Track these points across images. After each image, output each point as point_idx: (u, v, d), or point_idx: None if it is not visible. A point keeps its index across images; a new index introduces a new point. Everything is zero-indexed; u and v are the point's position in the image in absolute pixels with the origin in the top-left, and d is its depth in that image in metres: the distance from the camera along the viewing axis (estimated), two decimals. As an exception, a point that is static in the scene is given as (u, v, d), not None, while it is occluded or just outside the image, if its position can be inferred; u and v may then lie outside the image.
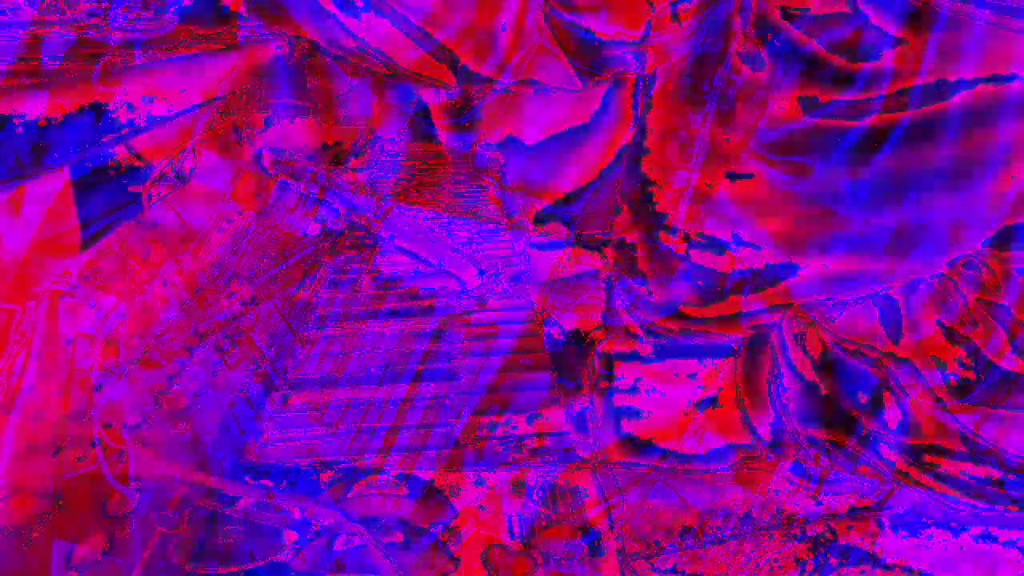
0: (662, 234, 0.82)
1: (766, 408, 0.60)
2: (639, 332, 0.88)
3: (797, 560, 0.64)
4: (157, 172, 0.96)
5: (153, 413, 0.57)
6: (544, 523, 0.45)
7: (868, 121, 0.62)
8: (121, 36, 0.75)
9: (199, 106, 0.97)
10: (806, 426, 0.57)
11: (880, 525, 0.65)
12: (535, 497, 0.47)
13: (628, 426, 0.65)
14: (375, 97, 1.20)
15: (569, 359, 0.72)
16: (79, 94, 0.71)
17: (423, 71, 1.05)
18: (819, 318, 0.59)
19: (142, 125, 0.82)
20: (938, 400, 0.51)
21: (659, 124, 0.85)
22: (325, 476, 0.49)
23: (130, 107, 0.81)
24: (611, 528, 0.46)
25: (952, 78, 0.58)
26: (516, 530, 0.45)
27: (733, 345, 0.66)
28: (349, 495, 0.46)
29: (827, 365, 0.57)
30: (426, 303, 0.77)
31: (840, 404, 0.56)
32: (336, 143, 1.35)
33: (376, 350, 0.67)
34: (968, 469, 0.52)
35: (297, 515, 0.45)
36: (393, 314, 0.75)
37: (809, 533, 0.65)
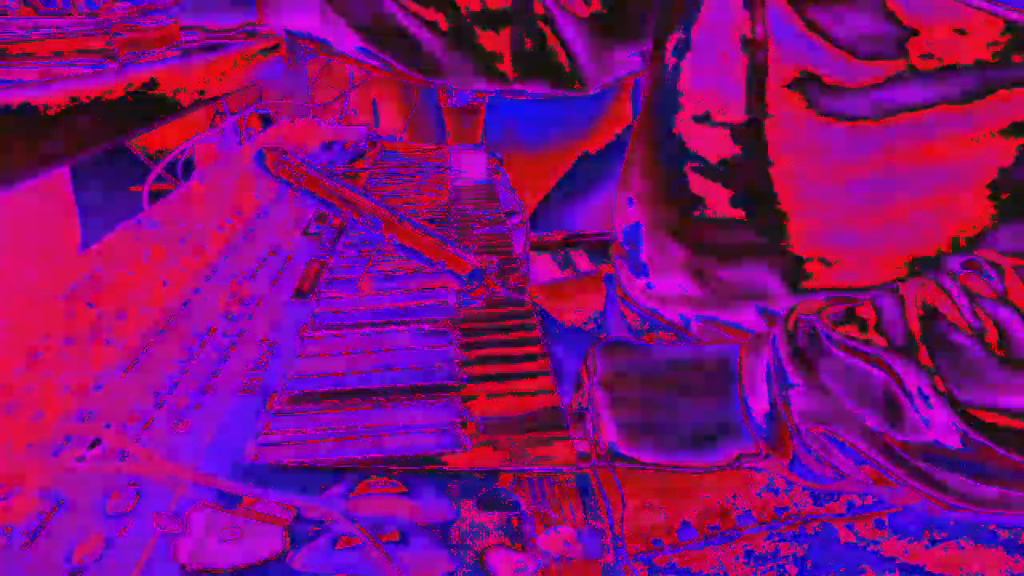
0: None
1: (765, 407, 0.60)
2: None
3: (796, 558, 0.64)
4: (157, 172, 0.96)
5: (153, 413, 0.57)
6: (544, 523, 0.44)
7: (870, 118, 0.62)
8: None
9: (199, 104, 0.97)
10: (806, 424, 0.57)
11: (880, 525, 0.65)
12: (534, 496, 0.47)
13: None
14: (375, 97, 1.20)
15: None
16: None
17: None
18: (820, 318, 0.59)
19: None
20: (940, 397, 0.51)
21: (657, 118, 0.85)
22: (325, 476, 0.49)
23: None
24: (611, 527, 0.46)
25: (950, 74, 0.58)
26: (516, 530, 0.44)
27: (732, 345, 0.66)
28: (349, 495, 0.46)
29: (829, 364, 0.57)
30: (426, 302, 0.77)
31: (841, 404, 0.56)
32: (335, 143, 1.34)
33: (377, 349, 0.67)
34: (966, 467, 0.52)
35: (297, 515, 0.45)
36: (393, 313, 0.75)
37: (808, 532, 0.65)
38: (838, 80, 0.63)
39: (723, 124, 0.73)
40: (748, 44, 0.70)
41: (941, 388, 0.51)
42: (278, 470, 0.51)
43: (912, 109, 0.60)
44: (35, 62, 0.69)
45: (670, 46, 0.83)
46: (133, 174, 0.97)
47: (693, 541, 0.65)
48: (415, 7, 0.99)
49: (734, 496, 0.67)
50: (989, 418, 0.50)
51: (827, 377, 0.56)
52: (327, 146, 1.44)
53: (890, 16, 0.59)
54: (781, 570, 0.64)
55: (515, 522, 0.45)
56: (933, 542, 0.64)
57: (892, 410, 0.53)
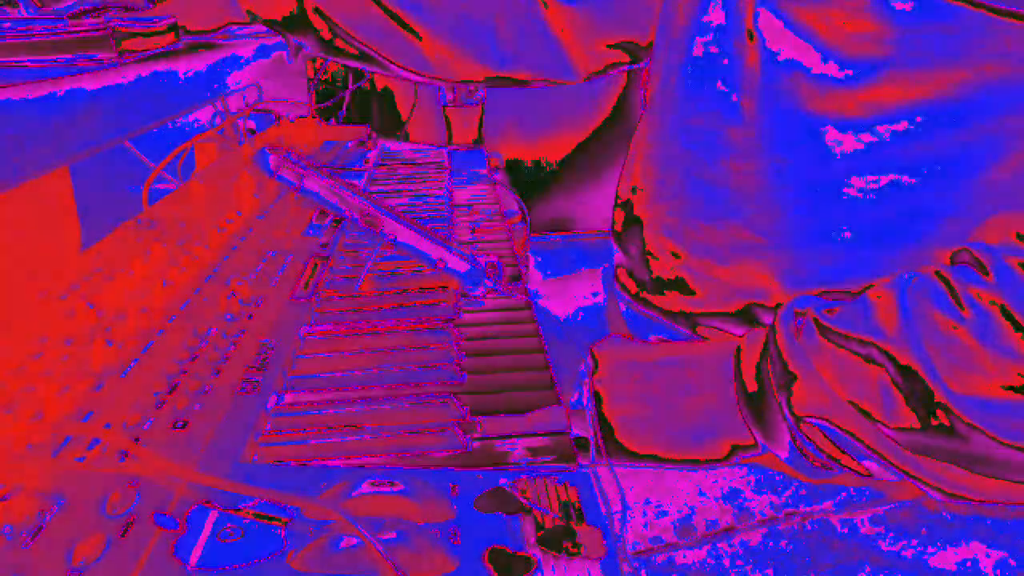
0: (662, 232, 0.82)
1: (763, 404, 0.60)
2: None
3: (795, 554, 0.64)
4: (157, 172, 0.96)
5: (153, 413, 0.57)
6: (544, 522, 0.45)
7: (864, 113, 0.62)
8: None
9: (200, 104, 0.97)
10: (804, 416, 0.57)
11: (879, 519, 0.65)
12: (534, 496, 0.47)
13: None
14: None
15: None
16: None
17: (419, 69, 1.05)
18: (816, 313, 0.60)
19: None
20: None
21: (656, 118, 0.85)
22: (325, 476, 0.49)
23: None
24: (611, 527, 0.46)
25: (944, 69, 0.58)
26: (516, 530, 0.45)
27: (730, 342, 0.66)
28: (349, 495, 0.46)
29: (825, 356, 0.57)
30: (426, 302, 0.77)
31: (838, 396, 0.56)
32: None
33: (377, 349, 0.67)
34: (963, 458, 0.52)
35: (297, 515, 0.45)
36: (393, 313, 0.75)
37: (807, 528, 0.65)
38: (829, 80, 0.63)
39: (719, 126, 0.73)
40: (741, 47, 0.70)
41: (935, 379, 0.51)
42: (278, 470, 0.51)
43: (903, 106, 0.60)
44: (35, 62, 0.69)
45: (667, 49, 0.83)
46: (133, 174, 0.97)
47: (693, 540, 0.65)
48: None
49: (733, 494, 0.67)
50: (982, 408, 0.50)
51: (823, 369, 0.56)
52: (327, 146, 1.44)
53: (880, 15, 0.60)
54: (780, 567, 0.64)
55: (515, 522, 0.45)
56: (931, 536, 0.64)
57: (888, 401, 0.53)
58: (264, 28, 1.05)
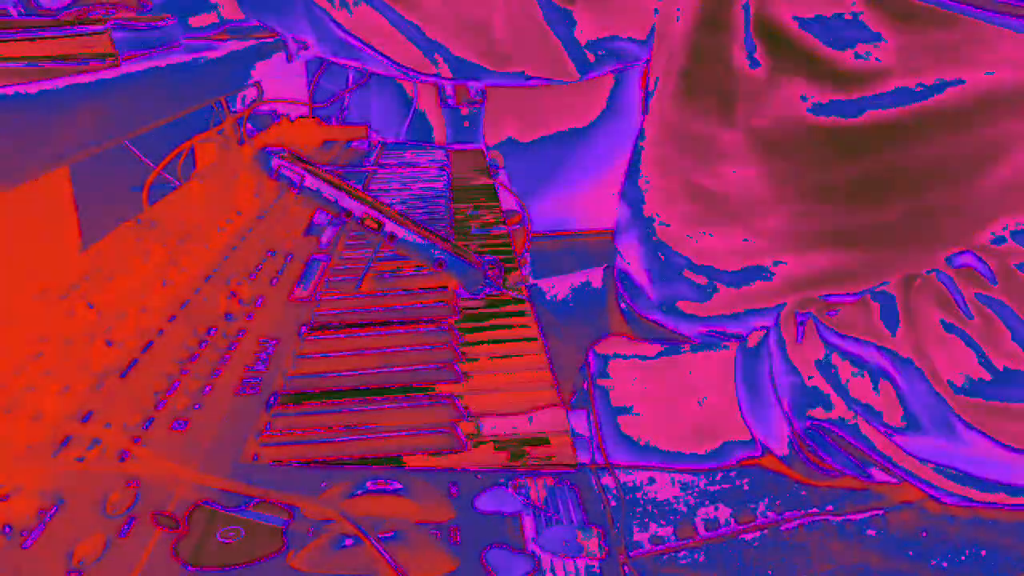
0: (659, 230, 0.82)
1: (764, 405, 0.60)
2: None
3: (796, 556, 0.64)
4: (157, 172, 0.96)
5: (153, 413, 0.57)
6: (544, 523, 0.44)
7: (865, 119, 0.62)
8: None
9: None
10: (805, 419, 0.57)
11: (880, 521, 0.65)
12: (534, 496, 0.47)
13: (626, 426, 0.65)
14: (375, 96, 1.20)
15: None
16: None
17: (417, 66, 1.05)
18: (817, 314, 0.60)
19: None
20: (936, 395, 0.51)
21: (656, 122, 0.85)
22: (325, 476, 0.49)
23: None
24: (611, 527, 0.46)
25: (943, 75, 0.58)
26: (516, 530, 0.45)
27: (731, 343, 0.66)
28: (349, 495, 0.46)
29: (826, 358, 0.57)
30: (426, 302, 0.77)
31: (838, 398, 0.56)
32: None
33: (377, 350, 0.67)
34: (964, 460, 0.52)
35: (297, 515, 0.45)
36: (393, 313, 0.75)
37: (808, 529, 0.65)
38: (830, 86, 0.63)
39: (719, 132, 0.73)
40: (740, 49, 0.70)
41: (937, 381, 0.51)
42: (278, 470, 0.51)
43: (904, 111, 0.60)
44: (35, 61, 0.69)
45: (666, 49, 0.83)
46: (133, 174, 0.97)
47: (692, 541, 0.65)
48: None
49: (733, 495, 0.67)
50: (984, 411, 0.50)
51: (824, 372, 0.56)
52: (327, 146, 1.44)
53: (878, 21, 0.60)
54: (780, 568, 0.64)
55: (515, 522, 0.45)
56: (932, 537, 0.64)
57: (889, 403, 0.53)
58: (265, 28, 1.05)
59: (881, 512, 0.65)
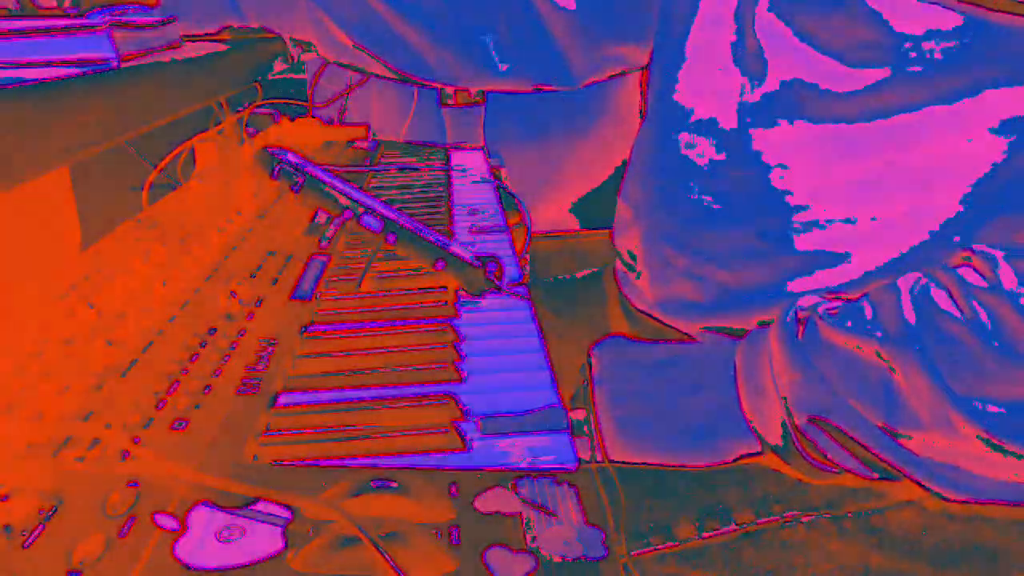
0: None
1: (765, 404, 0.60)
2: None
3: (795, 555, 0.64)
4: (157, 172, 0.96)
5: (153, 413, 0.57)
6: (544, 523, 0.44)
7: (866, 120, 0.62)
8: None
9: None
10: (806, 416, 0.57)
11: (881, 519, 0.65)
12: (534, 496, 0.47)
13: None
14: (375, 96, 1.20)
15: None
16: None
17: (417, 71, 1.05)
18: (818, 313, 0.60)
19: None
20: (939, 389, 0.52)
21: (655, 123, 0.85)
22: (325, 476, 0.49)
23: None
24: (611, 527, 0.46)
25: (944, 75, 0.59)
26: (516, 530, 0.45)
27: (731, 342, 0.66)
28: (349, 495, 0.46)
29: (828, 355, 0.57)
30: (426, 302, 0.77)
31: (840, 395, 0.56)
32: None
33: (377, 350, 0.67)
34: (964, 458, 0.52)
35: (297, 515, 0.45)
36: (393, 313, 0.75)
37: (808, 528, 0.65)
38: (829, 86, 0.63)
39: (719, 133, 0.73)
40: (740, 53, 0.70)
41: (937, 379, 0.51)
42: (278, 470, 0.51)
43: (903, 111, 0.60)
44: (35, 61, 0.69)
45: (664, 55, 0.83)
46: (133, 174, 0.97)
47: (692, 541, 0.65)
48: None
49: (733, 494, 0.67)
50: (983, 410, 0.50)
51: (826, 369, 0.56)
52: (327, 146, 1.44)
53: (879, 22, 0.60)
54: (780, 567, 0.64)
55: (515, 522, 0.45)
56: (932, 535, 0.64)
57: (890, 402, 0.53)
58: (266, 30, 1.05)
59: (881, 510, 0.65)
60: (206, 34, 1.02)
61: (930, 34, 0.58)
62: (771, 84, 0.68)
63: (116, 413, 0.56)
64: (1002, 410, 0.50)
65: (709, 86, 0.75)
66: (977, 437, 0.51)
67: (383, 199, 0.85)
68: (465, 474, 0.49)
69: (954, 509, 0.64)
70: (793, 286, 0.70)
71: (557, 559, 0.42)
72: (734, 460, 0.62)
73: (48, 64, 0.69)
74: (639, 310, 0.86)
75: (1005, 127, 0.58)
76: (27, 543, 0.43)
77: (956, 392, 0.51)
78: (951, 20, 0.57)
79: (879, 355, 0.54)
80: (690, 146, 0.77)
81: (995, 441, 0.50)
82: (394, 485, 0.47)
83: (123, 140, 0.89)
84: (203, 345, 0.67)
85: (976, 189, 0.60)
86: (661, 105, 0.83)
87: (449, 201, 1.13)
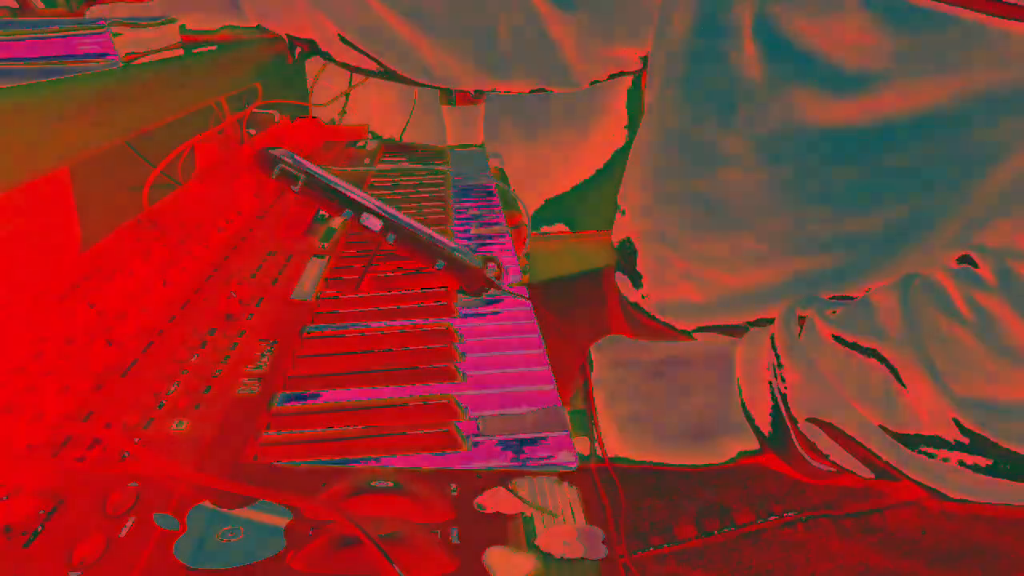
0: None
1: (764, 404, 0.60)
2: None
3: (795, 554, 0.64)
4: (157, 172, 0.96)
5: (153, 413, 0.57)
6: (544, 523, 0.45)
7: (864, 122, 0.62)
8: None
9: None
10: (805, 417, 0.57)
11: (880, 518, 0.65)
12: (534, 496, 0.47)
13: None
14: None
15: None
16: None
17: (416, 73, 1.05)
18: (817, 314, 0.60)
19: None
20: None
21: (655, 126, 0.85)
22: (325, 476, 0.49)
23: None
24: (611, 527, 0.46)
25: (941, 77, 0.59)
26: (516, 530, 0.45)
27: (730, 342, 0.66)
28: (349, 495, 0.46)
29: (827, 356, 0.57)
30: (426, 302, 0.77)
31: (839, 396, 0.56)
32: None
33: (377, 349, 0.67)
34: (964, 459, 0.52)
35: (297, 515, 0.45)
36: (393, 314, 0.75)
37: (807, 528, 0.65)
38: (828, 90, 0.63)
39: (717, 136, 0.73)
40: (739, 57, 0.70)
41: (937, 380, 0.51)
42: (278, 470, 0.51)
43: (902, 114, 0.60)
44: (35, 61, 0.69)
45: (664, 57, 0.83)
46: (133, 174, 0.97)
47: (692, 540, 0.65)
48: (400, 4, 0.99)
49: (733, 494, 0.67)
50: (984, 409, 0.50)
51: (825, 369, 0.56)
52: (327, 146, 1.44)
53: (878, 25, 0.60)
54: (780, 567, 0.64)
55: (515, 522, 0.45)
56: (932, 536, 0.64)
57: (889, 402, 0.53)
58: (265, 29, 1.05)
59: (880, 510, 0.65)
60: (206, 34, 1.02)
61: (926, 33, 0.58)
62: (769, 85, 0.68)
63: (116, 413, 0.56)
64: (1001, 411, 0.50)
65: (704, 91, 0.75)
66: (976, 438, 0.51)
67: (383, 199, 0.85)
68: (465, 474, 0.49)
69: (953, 509, 0.64)
70: (792, 287, 0.70)
71: (557, 559, 0.42)
72: (734, 460, 0.62)
73: (48, 64, 0.69)
74: (638, 310, 0.86)
75: (1003, 127, 0.58)
76: (27, 543, 0.43)
77: (956, 393, 0.51)
78: (945, 18, 0.57)
79: (879, 355, 0.54)
80: (689, 147, 0.77)
81: (994, 441, 0.50)
82: (394, 485, 0.47)
83: (123, 140, 0.89)
84: (203, 345, 0.67)
85: (975, 190, 0.60)
86: (661, 105, 0.83)
87: (449, 201, 1.13)
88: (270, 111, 1.35)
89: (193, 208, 0.98)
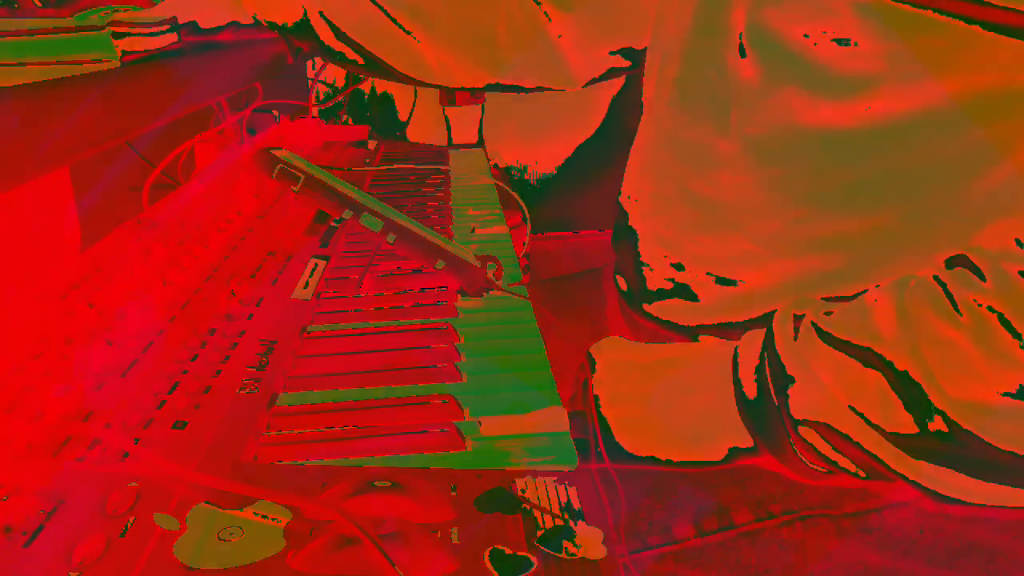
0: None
1: (761, 404, 0.60)
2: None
3: (793, 554, 0.65)
4: (157, 172, 0.96)
5: (153, 413, 0.57)
6: (544, 523, 0.45)
7: (858, 125, 0.62)
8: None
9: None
10: (802, 418, 0.57)
11: (877, 519, 0.65)
12: (534, 496, 0.47)
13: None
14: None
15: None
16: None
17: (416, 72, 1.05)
18: (813, 315, 0.60)
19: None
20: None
21: (652, 127, 0.85)
22: (325, 476, 0.49)
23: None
24: (611, 527, 0.46)
25: (935, 80, 0.59)
26: (516, 530, 0.45)
27: (728, 344, 0.66)
28: (349, 495, 0.46)
29: (823, 358, 0.57)
30: (426, 302, 0.77)
31: (835, 398, 0.56)
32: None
33: (377, 349, 0.68)
34: (958, 461, 0.52)
35: (297, 515, 0.45)
36: (393, 314, 0.75)
37: (805, 528, 0.66)
38: (821, 93, 0.63)
39: (714, 135, 0.73)
40: (734, 58, 0.70)
41: (931, 381, 0.51)
42: (278, 470, 0.51)
43: (897, 117, 0.60)
44: (35, 61, 0.69)
45: (661, 57, 0.84)
46: (133, 174, 0.97)
47: (690, 540, 0.66)
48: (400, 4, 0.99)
49: (731, 494, 0.67)
50: (979, 412, 0.50)
51: (821, 372, 0.56)
52: (327, 146, 1.44)
53: (870, 29, 0.60)
54: (780, 566, 0.64)
55: (515, 522, 0.45)
56: (930, 535, 0.64)
57: (885, 405, 0.53)
58: (266, 28, 1.05)
59: (878, 510, 0.65)
60: (206, 33, 1.01)
61: (920, 37, 0.58)
62: (763, 88, 0.68)
63: (116, 413, 0.56)
64: (997, 415, 0.50)
65: (702, 89, 0.75)
66: (970, 440, 0.51)
67: (383, 199, 0.85)
68: (465, 474, 0.49)
69: (951, 509, 0.64)
70: (790, 288, 0.70)
71: (557, 559, 0.42)
72: (732, 460, 0.62)
73: (48, 64, 0.69)
74: (638, 311, 0.86)
75: (999, 129, 0.58)
76: (27, 543, 0.43)
77: (950, 394, 0.51)
78: (939, 23, 0.57)
79: (875, 356, 0.54)
80: (687, 148, 0.78)
81: (990, 443, 0.50)
82: (394, 485, 0.47)
83: (123, 140, 0.89)
84: (203, 345, 0.67)
85: (969, 192, 0.60)
86: (658, 106, 0.83)
87: (449, 201, 1.13)
88: (270, 111, 1.35)
89: (193, 208, 0.98)
